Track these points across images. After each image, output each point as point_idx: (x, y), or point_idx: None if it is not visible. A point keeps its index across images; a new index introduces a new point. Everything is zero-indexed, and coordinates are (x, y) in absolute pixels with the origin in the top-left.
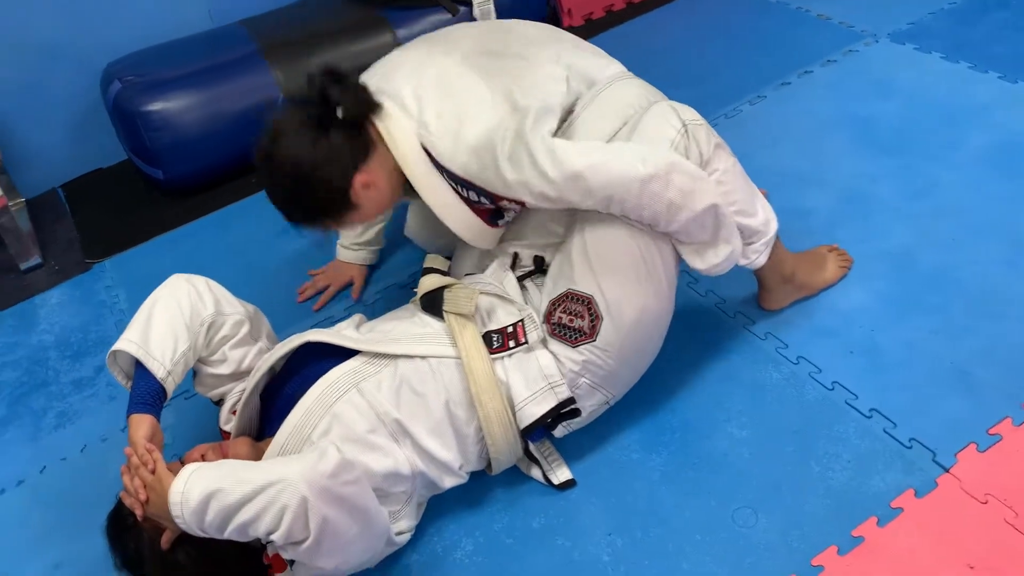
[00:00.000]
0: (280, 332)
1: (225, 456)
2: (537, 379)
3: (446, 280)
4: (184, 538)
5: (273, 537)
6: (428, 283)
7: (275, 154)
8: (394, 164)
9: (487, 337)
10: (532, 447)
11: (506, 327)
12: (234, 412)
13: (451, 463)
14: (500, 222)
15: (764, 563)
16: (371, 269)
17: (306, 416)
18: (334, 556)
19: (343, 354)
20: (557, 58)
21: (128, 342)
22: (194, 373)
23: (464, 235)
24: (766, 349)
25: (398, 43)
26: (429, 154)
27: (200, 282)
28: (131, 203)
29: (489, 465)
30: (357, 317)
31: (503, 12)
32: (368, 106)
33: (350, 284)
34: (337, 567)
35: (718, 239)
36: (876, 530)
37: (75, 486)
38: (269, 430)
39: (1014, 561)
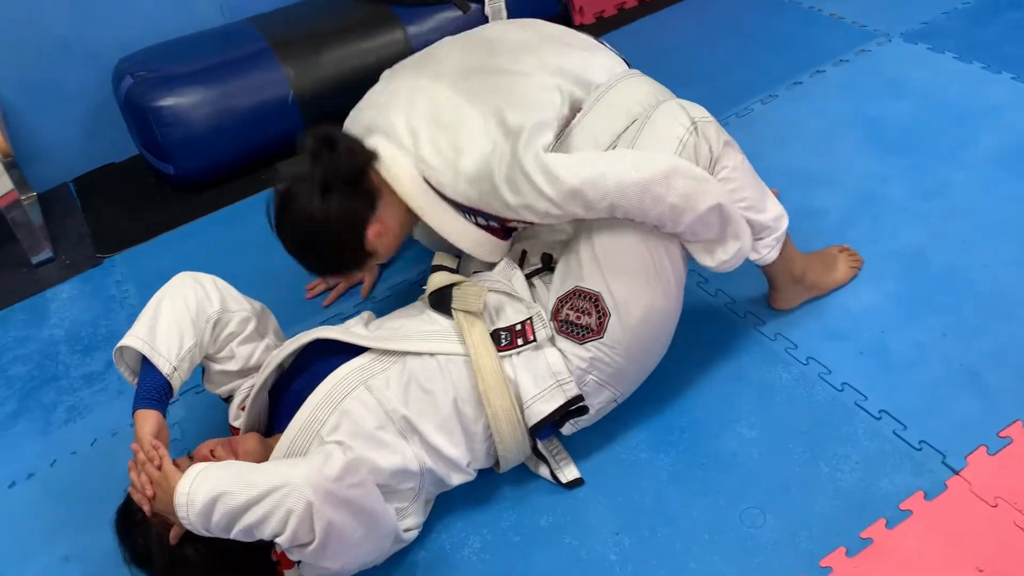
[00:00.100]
0: (289, 329)
1: (235, 451)
2: (545, 377)
3: (455, 278)
4: (192, 534)
5: (278, 540)
6: (437, 281)
7: (288, 222)
8: (401, 202)
9: (495, 335)
10: (540, 445)
11: (514, 325)
12: (243, 408)
13: (459, 460)
14: (511, 236)
15: (772, 563)
16: (382, 267)
17: (315, 413)
18: (340, 557)
19: (352, 351)
20: (544, 64)
21: (134, 338)
22: (203, 370)
23: (477, 254)
24: (776, 349)
25: (408, 40)
26: (431, 185)
27: (206, 279)
28: (142, 198)
29: (497, 463)
30: (366, 314)
31: (514, 10)
32: (364, 159)
33: (360, 281)
34: (343, 567)
35: (726, 236)
36: (885, 532)
37: (85, 480)
38: (278, 426)
39: (1023, 564)
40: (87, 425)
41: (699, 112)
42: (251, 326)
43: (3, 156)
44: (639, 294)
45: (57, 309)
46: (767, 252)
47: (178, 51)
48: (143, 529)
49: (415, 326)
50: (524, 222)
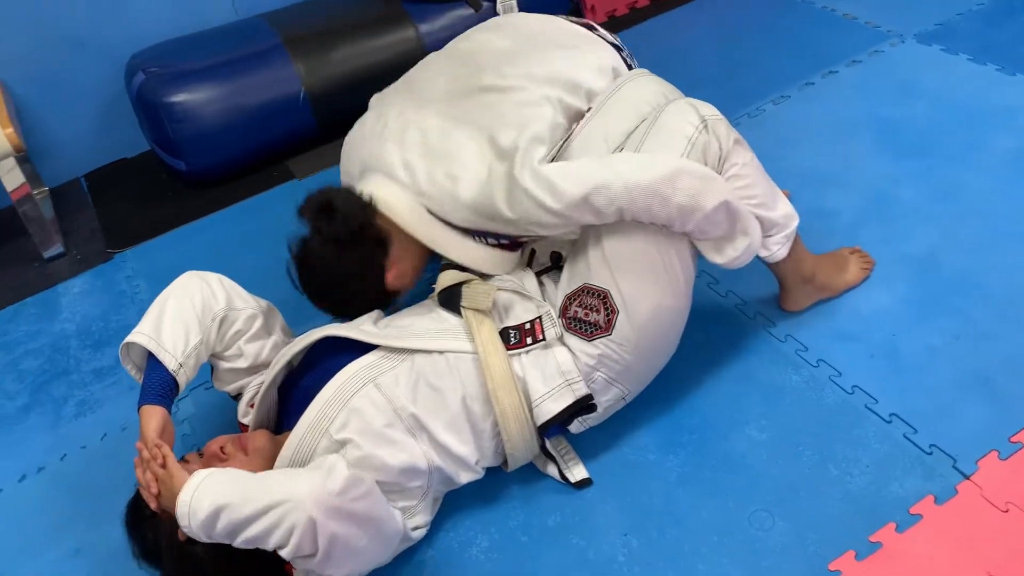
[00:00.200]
0: (298, 326)
1: (244, 448)
2: (554, 376)
3: (464, 276)
4: None
5: (281, 552)
6: (446, 279)
7: (311, 284)
8: (411, 237)
9: (504, 333)
10: (548, 444)
11: (524, 323)
12: (252, 405)
13: (467, 458)
14: (521, 247)
15: (781, 566)
16: None
17: (324, 410)
18: (344, 566)
19: (361, 349)
20: (531, 75)
21: (140, 335)
22: (212, 369)
23: (494, 271)
24: (785, 351)
25: (420, 38)
26: (436, 215)
27: (212, 278)
28: (153, 194)
29: (505, 461)
30: (375, 312)
31: (525, 8)
32: (365, 216)
33: None
34: (349, 574)
35: (735, 233)
36: (895, 536)
37: (95, 474)
38: (287, 423)
39: None
40: (97, 419)
41: (709, 110)
42: (258, 323)
43: (16, 151)
44: (648, 291)
45: (68, 304)
46: (777, 249)
47: (190, 47)
48: (152, 524)
49: (424, 324)
50: (534, 236)
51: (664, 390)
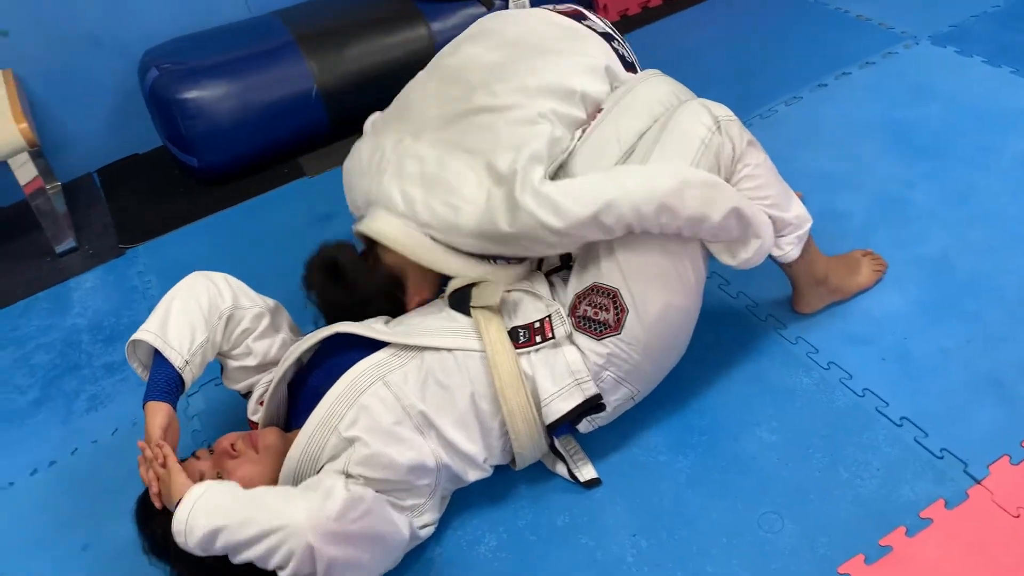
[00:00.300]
0: (306, 324)
1: (255, 445)
2: (564, 375)
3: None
4: None
5: (281, 574)
6: (457, 281)
7: (333, 315)
8: (422, 265)
9: (513, 332)
10: (557, 443)
11: (533, 322)
12: (261, 403)
13: (476, 456)
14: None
15: (790, 569)
16: None
17: (333, 408)
18: None
19: (370, 346)
20: (524, 89)
21: (146, 332)
22: (222, 368)
23: (505, 283)
24: (797, 353)
25: (433, 37)
26: (441, 243)
27: (218, 277)
28: (165, 190)
29: (513, 460)
30: None
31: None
32: (372, 262)
33: None
34: None
35: (747, 236)
36: (905, 540)
37: (105, 469)
38: (296, 421)
39: None
40: (108, 414)
41: (722, 111)
42: (265, 322)
43: (30, 145)
44: (658, 291)
45: (80, 298)
46: (790, 249)
47: (203, 44)
48: (162, 520)
49: (434, 322)
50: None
51: (674, 391)
